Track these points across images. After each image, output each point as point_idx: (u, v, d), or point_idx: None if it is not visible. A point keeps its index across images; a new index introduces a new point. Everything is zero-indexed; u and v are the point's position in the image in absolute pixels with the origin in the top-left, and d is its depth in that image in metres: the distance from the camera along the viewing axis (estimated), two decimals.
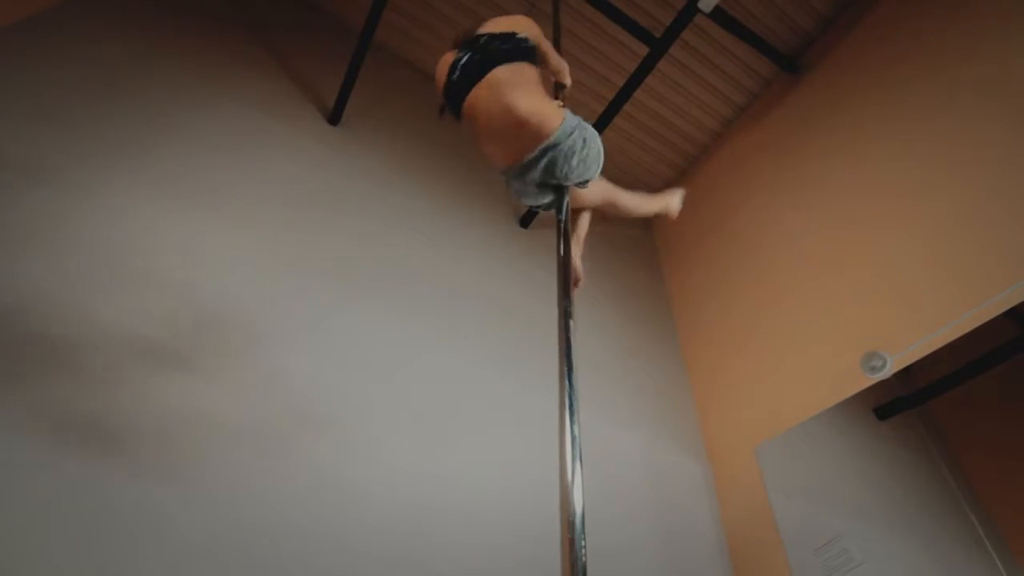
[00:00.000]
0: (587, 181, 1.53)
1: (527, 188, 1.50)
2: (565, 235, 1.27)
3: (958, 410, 2.64)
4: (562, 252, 1.22)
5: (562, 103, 1.57)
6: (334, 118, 3.01)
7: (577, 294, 1.52)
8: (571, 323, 1.07)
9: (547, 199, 1.52)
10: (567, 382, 0.97)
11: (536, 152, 1.41)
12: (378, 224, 2.79)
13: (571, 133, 1.41)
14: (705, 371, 3.10)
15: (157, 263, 2.09)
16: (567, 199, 1.41)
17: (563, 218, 1.40)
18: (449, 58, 1.63)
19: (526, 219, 3.37)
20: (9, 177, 1.99)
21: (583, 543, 0.75)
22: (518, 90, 1.42)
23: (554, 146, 1.40)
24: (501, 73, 1.47)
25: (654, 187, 4.13)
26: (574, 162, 1.41)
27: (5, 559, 1.43)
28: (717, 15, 2.87)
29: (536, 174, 1.44)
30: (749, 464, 2.59)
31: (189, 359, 1.96)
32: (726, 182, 3.66)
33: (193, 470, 1.79)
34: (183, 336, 1.99)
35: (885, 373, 2.20)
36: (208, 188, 2.41)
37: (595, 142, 1.47)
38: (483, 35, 1.59)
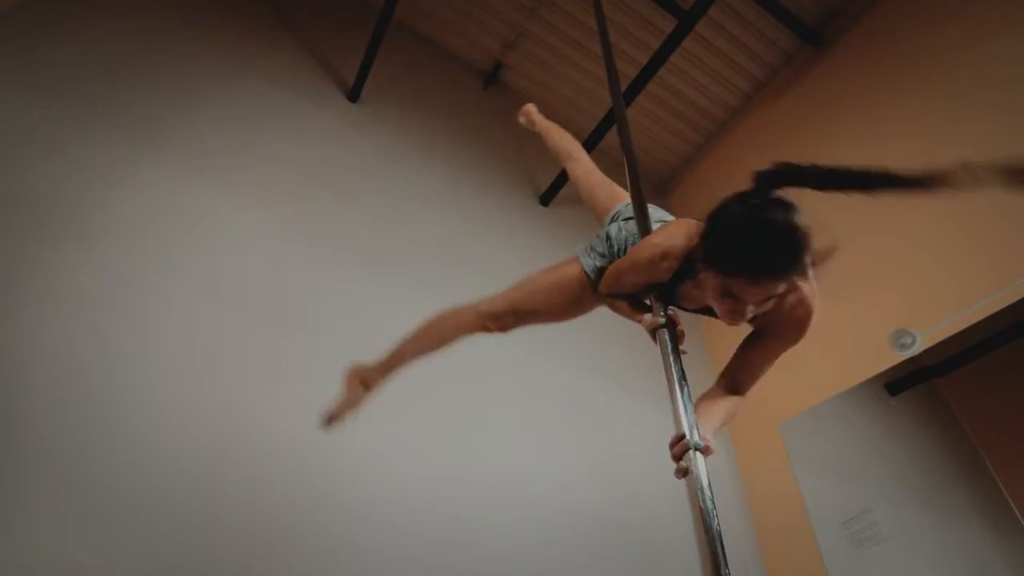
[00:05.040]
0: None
1: None
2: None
3: (967, 385, 2.66)
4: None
5: None
6: (354, 95, 2.97)
7: None
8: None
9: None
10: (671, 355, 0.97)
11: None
12: (397, 200, 2.77)
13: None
14: (727, 350, 3.09)
15: (177, 240, 2.09)
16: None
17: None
18: None
19: (546, 196, 3.35)
20: (27, 152, 1.98)
21: (715, 513, 0.76)
22: None
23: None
24: None
25: (671, 164, 4.09)
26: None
27: None
28: None
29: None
30: (774, 441, 2.62)
31: (209, 337, 1.97)
32: (745, 159, 3.62)
33: (233, 452, 1.81)
34: (202, 314, 2.00)
35: (915, 350, 2.21)
36: (228, 164, 2.39)
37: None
38: None
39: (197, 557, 1.61)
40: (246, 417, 1.88)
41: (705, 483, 0.80)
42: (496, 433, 2.30)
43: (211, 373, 1.90)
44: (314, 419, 2.02)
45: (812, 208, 3.18)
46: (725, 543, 2.50)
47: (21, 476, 1.52)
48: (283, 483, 1.83)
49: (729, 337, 1.47)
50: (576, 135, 3.64)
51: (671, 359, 0.96)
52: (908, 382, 2.68)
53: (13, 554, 1.43)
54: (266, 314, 2.12)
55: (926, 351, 2.25)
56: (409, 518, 1.96)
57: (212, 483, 1.73)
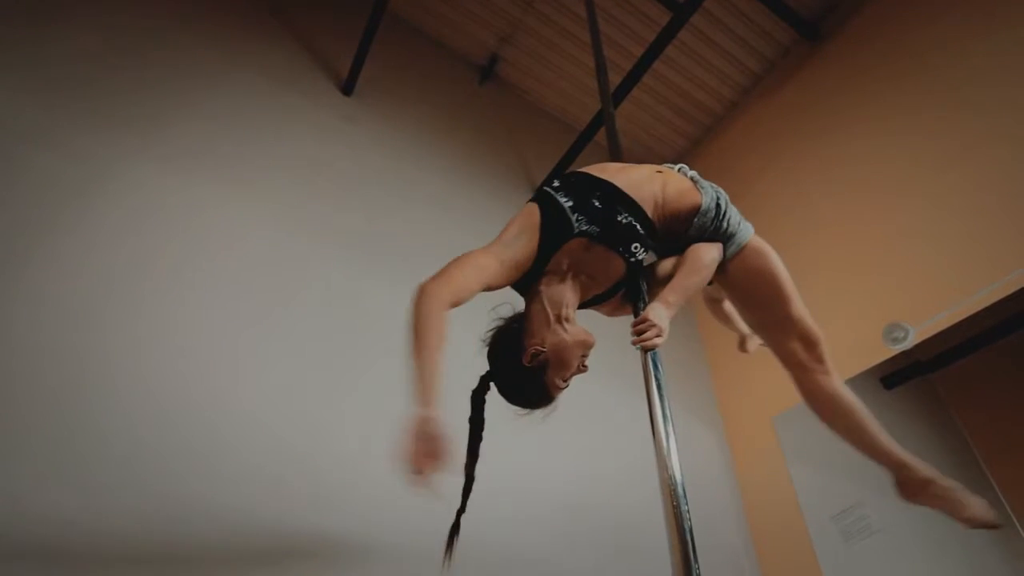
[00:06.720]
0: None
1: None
2: None
3: (960, 379, 2.66)
4: None
5: None
6: (348, 88, 2.96)
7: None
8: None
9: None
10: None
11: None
12: (391, 193, 2.76)
13: None
14: (722, 342, 3.11)
15: (173, 234, 2.08)
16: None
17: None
18: None
19: None
20: (24, 148, 1.97)
21: (687, 508, 0.77)
22: None
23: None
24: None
25: (666, 157, 4.06)
26: None
27: None
28: None
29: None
30: (767, 434, 2.63)
31: (205, 333, 1.96)
32: (741, 154, 3.62)
33: (230, 448, 1.81)
34: (197, 310, 1.99)
35: (907, 344, 2.21)
36: (222, 159, 2.38)
37: None
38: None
39: (191, 552, 1.62)
40: (243, 411, 1.88)
41: (679, 477, 0.81)
42: (495, 431, 2.30)
43: (208, 367, 1.90)
44: (310, 413, 2.04)
45: (809, 207, 3.15)
46: (718, 535, 2.53)
47: (20, 473, 1.52)
48: (280, 479, 1.82)
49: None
50: (571, 128, 3.67)
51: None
52: (904, 376, 2.69)
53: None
54: (262, 307, 2.12)
55: (921, 345, 2.25)
56: (408, 515, 1.96)
57: (209, 479, 1.73)
